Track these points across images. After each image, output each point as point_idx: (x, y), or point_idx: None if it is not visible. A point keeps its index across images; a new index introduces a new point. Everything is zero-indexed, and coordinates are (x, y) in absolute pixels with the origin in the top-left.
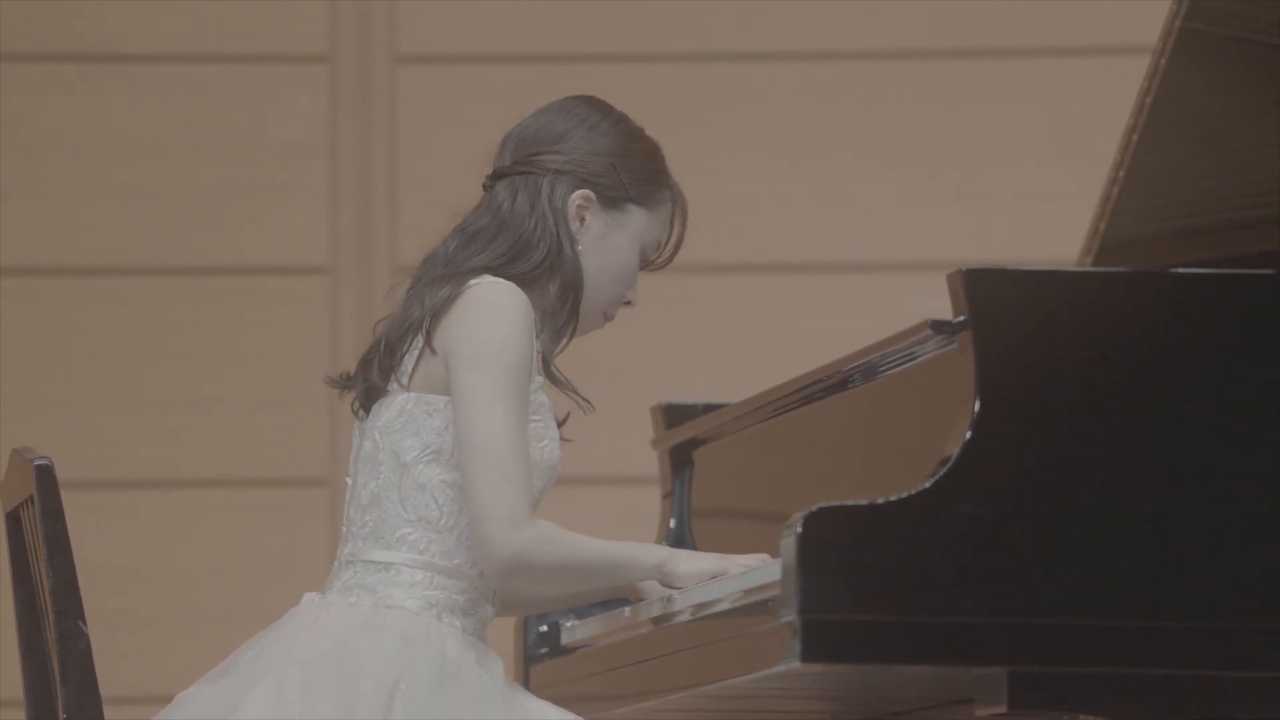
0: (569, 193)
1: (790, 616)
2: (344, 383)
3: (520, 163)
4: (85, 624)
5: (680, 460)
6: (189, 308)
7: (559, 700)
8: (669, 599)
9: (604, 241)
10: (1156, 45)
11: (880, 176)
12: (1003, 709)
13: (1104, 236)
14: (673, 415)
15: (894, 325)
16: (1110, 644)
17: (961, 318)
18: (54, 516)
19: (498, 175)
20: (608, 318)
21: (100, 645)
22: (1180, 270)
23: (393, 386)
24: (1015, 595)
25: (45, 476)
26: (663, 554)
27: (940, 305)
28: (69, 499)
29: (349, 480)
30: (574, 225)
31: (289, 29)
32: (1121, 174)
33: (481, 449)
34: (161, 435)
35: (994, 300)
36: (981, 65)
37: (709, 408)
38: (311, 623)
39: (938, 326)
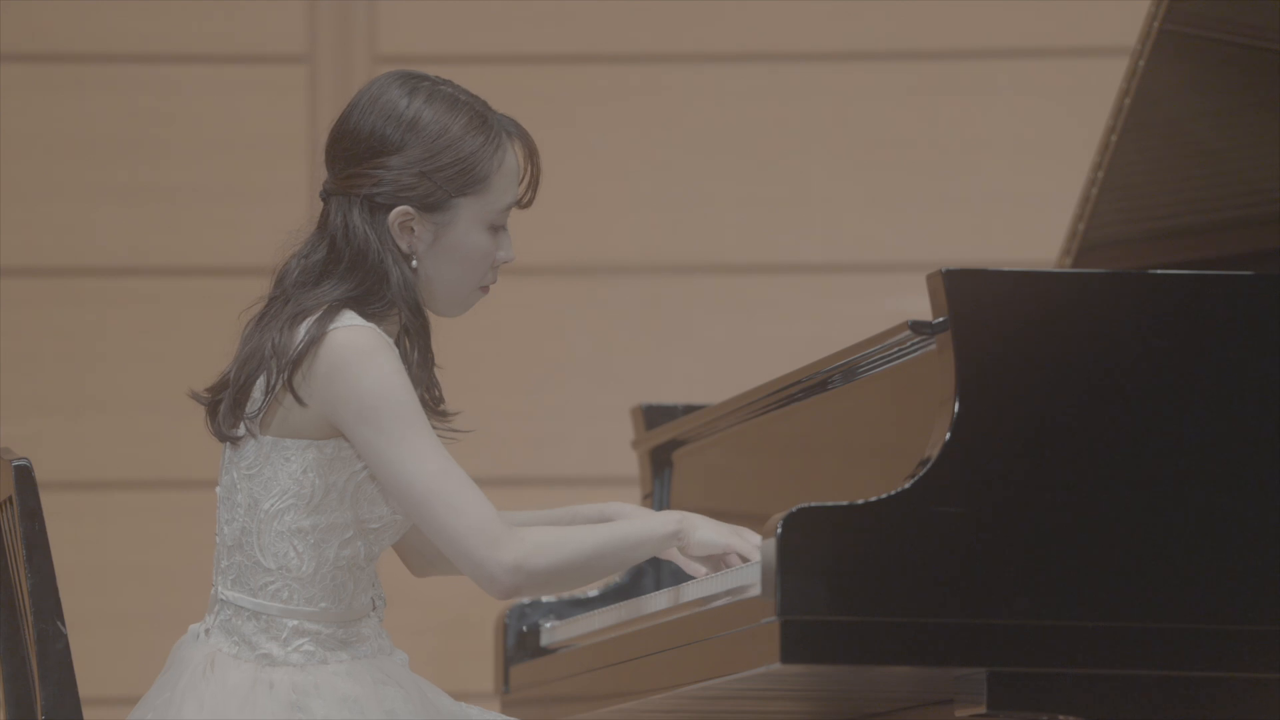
0: (386, 214)
1: (770, 617)
2: (204, 401)
3: (339, 184)
4: (64, 624)
5: (660, 461)
6: (167, 308)
7: (539, 702)
8: (650, 599)
9: (439, 244)
10: (1135, 47)
11: (859, 177)
12: (982, 709)
13: (1083, 237)
14: (653, 416)
15: (874, 326)
16: (1090, 645)
17: (941, 318)
18: (32, 517)
19: (327, 193)
20: (485, 289)
21: (78, 646)
22: (1159, 271)
23: (242, 430)
24: (995, 596)
25: (24, 477)
26: (675, 520)
27: (920, 306)
28: (47, 499)
29: (218, 491)
30: (403, 242)
31: (268, 29)
32: (1100, 175)
33: (427, 496)
34: (139, 436)
35: (974, 301)
36: (958, 66)
37: (689, 409)
38: (201, 677)
39: (917, 327)
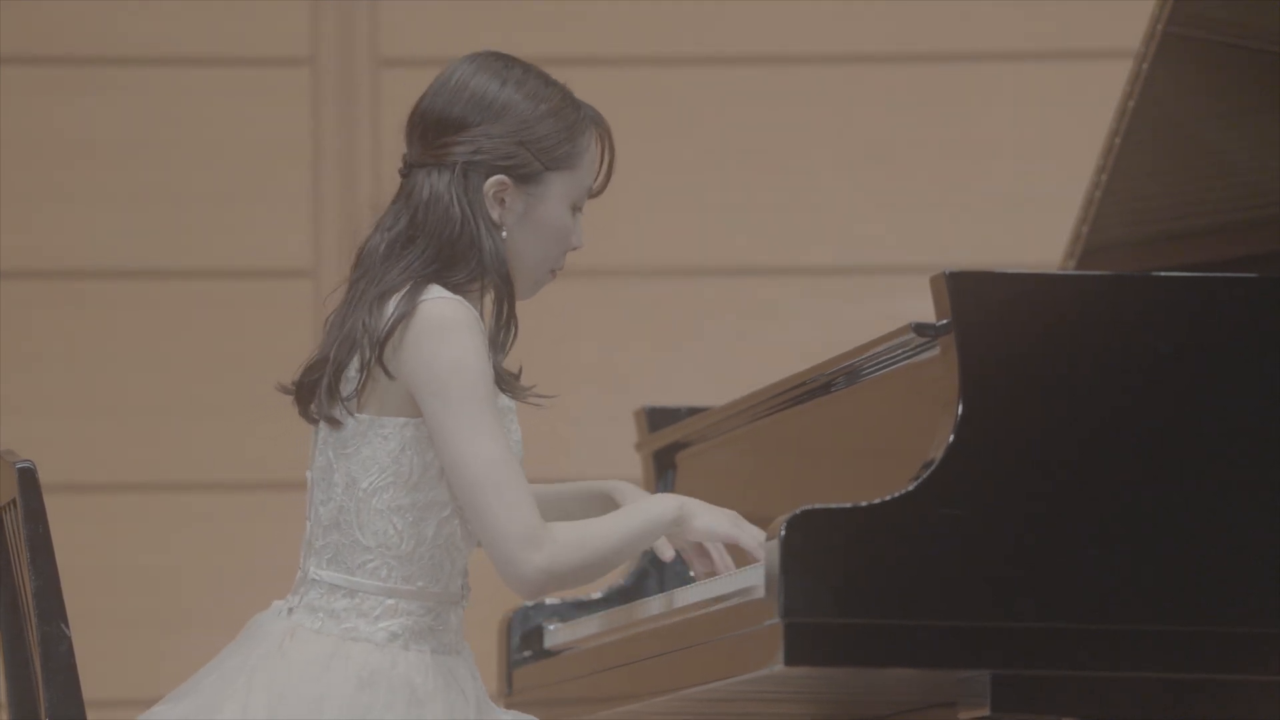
0: (482, 181)
1: (773, 619)
2: (291, 391)
3: (429, 154)
4: (68, 626)
5: (664, 464)
6: (171, 310)
7: (543, 704)
8: (655, 600)
9: (529, 217)
10: (1139, 50)
11: (862, 180)
12: (985, 712)
13: (1086, 240)
14: (656, 419)
15: (877, 329)
16: (1094, 647)
17: (944, 321)
18: (36, 519)
19: (411, 165)
20: (555, 272)
21: (83, 648)
22: (1162, 274)
23: (339, 410)
24: (998, 598)
25: (28, 479)
26: (675, 505)
27: (923, 308)
28: (51, 502)
29: (309, 475)
30: (494, 212)
31: (271, 31)
32: (1104, 178)
33: (477, 478)
34: (143, 438)
35: (977, 303)
36: (962, 69)
37: (692, 411)
38: (276, 649)
39: (921, 329)
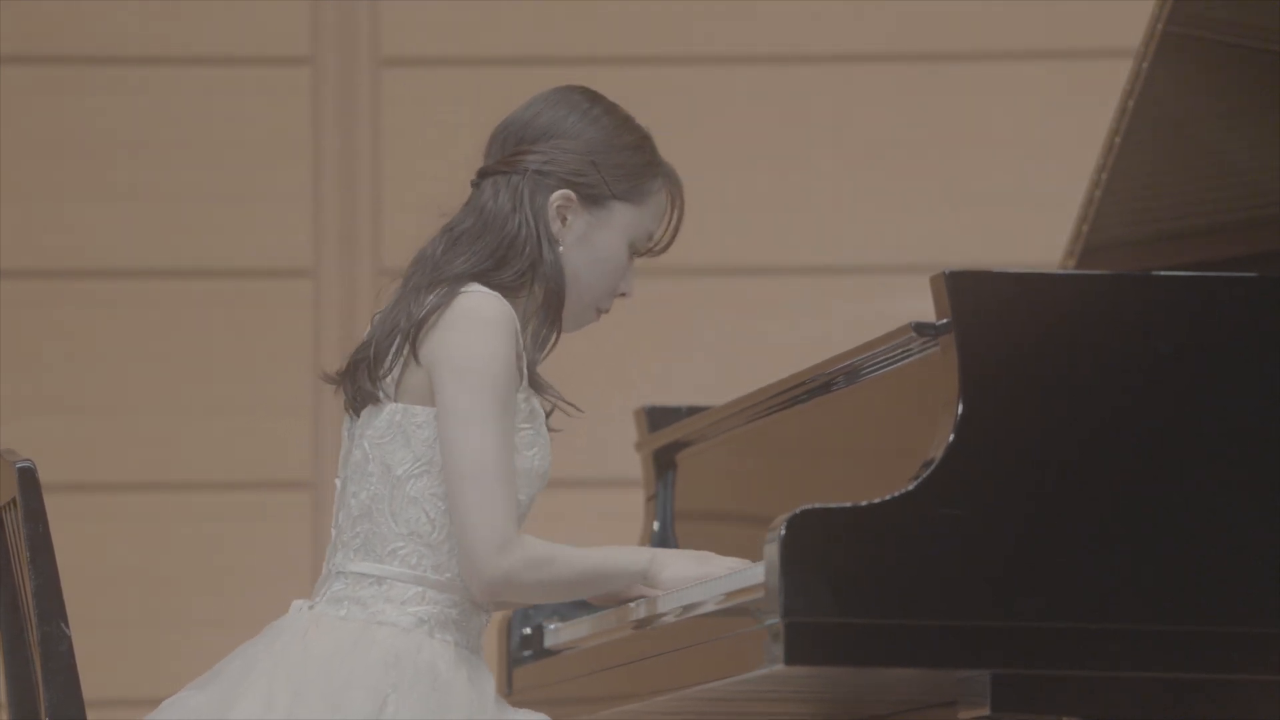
0: (549, 193)
1: (773, 619)
2: (337, 380)
3: (503, 161)
4: (68, 626)
5: (664, 463)
6: (171, 310)
7: (543, 703)
8: (653, 601)
9: (587, 240)
10: (1139, 49)
11: (863, 179)
12: (985, 712)
13: (1086, 239)
14: (656, 418)
15: (877, 328)
16: (1094, 647)
17: (944, 320)
18: (36, 519)
19: (484, 173)
20: (600, 312)
21: (83, 648)
22: (1162, 273)
23: (380, 395)
24: (999, 598)
25: (28, 479)
26: (645, 558)
27: (923, 308)
28: (51, 502)
29: (338, 482)
30: (555, 226)
31: (271, 31)
32: (1104, 177)
33: (467, 470)
34: (144, 438)
35: (977, 302)
36: (962, 68)
37: (692, 410)
38: (300, 637)
39: (921, 329)
